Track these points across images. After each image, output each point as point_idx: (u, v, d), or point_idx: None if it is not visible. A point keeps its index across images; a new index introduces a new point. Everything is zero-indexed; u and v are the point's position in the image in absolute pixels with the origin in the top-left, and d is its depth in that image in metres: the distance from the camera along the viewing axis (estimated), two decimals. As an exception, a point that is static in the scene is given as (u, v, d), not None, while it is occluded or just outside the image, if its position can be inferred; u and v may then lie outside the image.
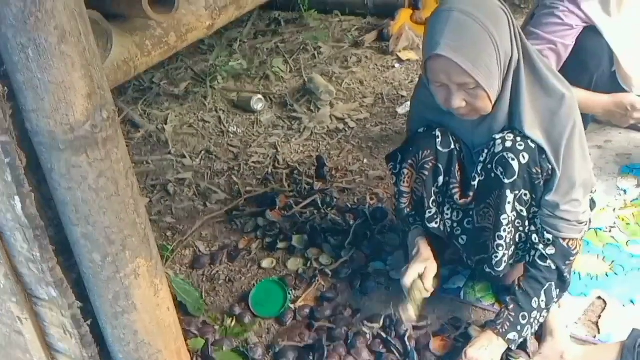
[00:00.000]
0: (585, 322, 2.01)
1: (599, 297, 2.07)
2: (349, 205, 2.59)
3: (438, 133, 1.86)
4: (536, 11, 2.43)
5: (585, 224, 1.85)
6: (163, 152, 3.17)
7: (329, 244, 2.40)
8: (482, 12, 1.62)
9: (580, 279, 2.12)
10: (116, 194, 1.28)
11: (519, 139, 1.73)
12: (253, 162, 3.01)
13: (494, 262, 1.88)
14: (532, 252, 1.85)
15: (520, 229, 1.85)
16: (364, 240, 2.39)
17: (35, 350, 1.53)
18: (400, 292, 1.98)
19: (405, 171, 1.93)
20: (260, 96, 3.42)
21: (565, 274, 1.82)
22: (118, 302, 1.39)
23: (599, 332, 1.96)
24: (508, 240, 1.84)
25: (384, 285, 2.22)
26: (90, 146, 1.21)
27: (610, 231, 2.30)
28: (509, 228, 1.82)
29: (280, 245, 2.43)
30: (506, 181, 1.74)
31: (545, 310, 1.84)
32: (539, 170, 1.73)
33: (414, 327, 2.01)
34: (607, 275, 2.13)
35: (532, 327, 1.84)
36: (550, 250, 1.80)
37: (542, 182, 1.75)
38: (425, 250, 1.93)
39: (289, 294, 2.20)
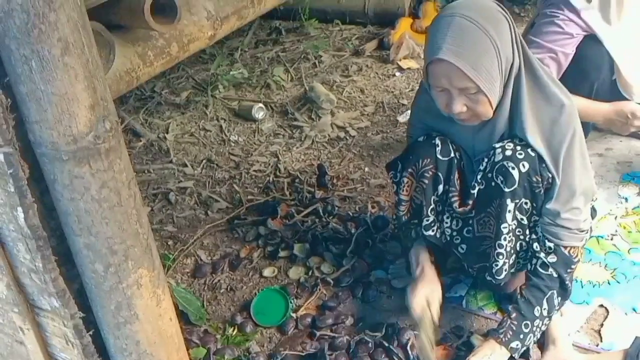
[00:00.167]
0: (588, 330, 2.00)
1: (601, 305, 2.06)
2: (351, 214, 2.59)
3: (438, 141, 1.87)
4: (536, 20, 2.44)
5: (587, 232, 1.85)
6: (164, 161, 3.17)
7: (330, 252, 2.40)
8: (484, 17, 1.63)
9: (582, 287, 2.12)
10: (119, 204, 1.28)
11: (518, 147, 1.74)
12: (254, 170, 3.01)
13: (494, 271, 1.88)
14: (534, 261, 1.85)
15: (521, 237, 1.85)
16: (366, 248, 2.39)
17: (38, 360, 1.53)
18: (402, 300, 1.99)
19: (405, 180, 1.93)
20: (261, 105, 3.43)
21: (567, 282, 1.82)
22: (120, 312, 1.39)
23: (601, 341, 1.96)
24: (509, 249, 1.84)
25: (386, 293, 2.22)
26: (93, 157, 1.21)
27: (611, 239, 2.30)
28: (510, 237, 1.82)
29: (282, 253, 2.43)
30: (506, 190, 1.75)
31: (547, 319, 1.84)
32: (539, 179, 1.74)
33: (416, 336, 2.00)
34: (609, 283, 2.13)
35: (534, 336, 1.84)
36: (552, 259, 1.80)
37: (542, 191, 1.76)
38: (429, 270, 1.93)
39: (291, 302, 2.20)
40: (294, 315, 2.17)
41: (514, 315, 1.82)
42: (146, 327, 1.44)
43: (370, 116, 3.34)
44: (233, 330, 2.16)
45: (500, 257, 1.85)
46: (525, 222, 1.81)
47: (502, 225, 1.79)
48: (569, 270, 1.82)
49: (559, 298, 1.83)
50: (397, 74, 3.71)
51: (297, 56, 4.01)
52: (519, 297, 1.83)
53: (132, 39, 1.68)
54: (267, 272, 2.38)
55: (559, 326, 1.94)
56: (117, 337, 1.44)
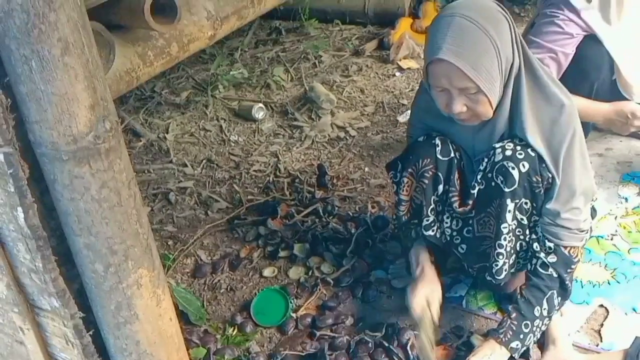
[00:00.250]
0: (588, 330, 2.00)
1: (601, 305, 2.06)
2: (350, 214, 2.59)
3: (438, 141, 1.87)
4: (536, 20, 2.44)
5: (587, 232, 1.85)
6: (164, 161, 3.17)
7: (330, 252, 2.40)
8: (484, 17, 1.63)
9: (582, 287, 2.12)
10: (119, 204, 1.28)
11: (518, 147, 1.74)
12: (254, 170, 3.01)
13: (494, 271, 1.88)
14: (534, 261, 1.85)
15: (521, 237, 1.85)
16: (366, 248, 2.39)
17: (37, 360, 1.53)
18: (402, 300, 1.99)
19: (405, 180, 1.93)
20: (261, 105, 3.43)
21: (567, 282, 1.82)
22: (120, 312, 1.39)
23: (601, 341, 1.96)
24: (509, 249, 1.84)
25: (386, 293, 2.22)
26: (93, 157, 1.21)
27: (611, 239, 2.30)
28: (510, 237, 1.82)
29: (282, 254, 2.43)
30: (506, 190, 1.75)
31: (547, 319, 1.84)
32: (539, 179, 1.74)
33: (416, 336, 2.00)
34: (609, 283, 2.13)
35: (534, 336, 1.84)
36: (552, 259, 1.80)
37: (542, 191, 1.76)
38: (429, 270, 1.93)
39: (291, 302, 2.20)
40: (294, 315, 2.17)
41: (514, 315, 1.82)
42: (146, 327, 1.44)
43: (370, 116, 3.34)
44: (233, 330, 2.16)
45: (500, 257, 1.85)
46: (525, 222, 1.81)
47: (502, 225, 1.79)
48: (569, 270, 1.82)
49: (559, 298, 1.83)
50: (397, 74, 3.71)
51: (297, 56, 4.01)
52: (519, 297, 1.83)
53: (132, 39, 1.68)
54: (267, 272, 2.38)
55: (559, 326, 1.94)
56: (117, 337, 1.44)
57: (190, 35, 1.82)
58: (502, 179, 1.74)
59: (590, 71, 2.41)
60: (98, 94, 1.19)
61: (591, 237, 2.22)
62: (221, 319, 2.23)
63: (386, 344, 1.99)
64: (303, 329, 2.13)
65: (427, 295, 1.87)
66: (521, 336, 1.80)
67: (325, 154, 3.07)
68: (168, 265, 2.44)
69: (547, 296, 1.81)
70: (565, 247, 1.80)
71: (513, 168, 1.72)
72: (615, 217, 2.39)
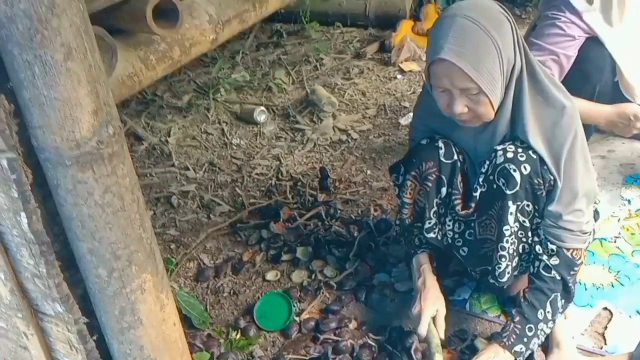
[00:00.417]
0: (592, 333, 2.00)
1: (605, 308, 2.06)
2: (353, 217, 2.59)
3: (441, 144, 1.87)
4: (538, 22, 2.44)
5: (589, 234, 1.84)
6: (166, 165, 3.17)
7: (333, 255, 2.39)
8: (486, 18, 1.63)
9: (586, 289, 2.11)
10: (122, 209, 1.28)
11: (520, 150, 1.73)
12: (256, 174, 3.01)
13: (497, 274, 1.88)
14: (536, 263, 1.84)
15: (524, 239, 1.84)
16: (369, 251, 2.39)
17: (41, 365, 1.53)
18: (405, 304, 1.98)
19: (409, 182, 1.93)
20: (263, 108, 3.43)
21: (570, 285, 1.82)
22: (124, 317, 1.38)
23: (605, 343, 1.95)
24: (511, 252, 1.84)
25: (389, 297, 2.22)
26: (96, 162, 1.21)
27: (615, 241, 2.29)
28: (512, 239, 1.81)
29: (285, 257, 2.43)
30: (508, 192, 1.74)
31: (551, 322, 1.83)
32: (541, 181, 1.73)
33: (420, 340, 2.00)
34: (612, 285, 2.12)
35: (538, 339, 1.83)
36: (555, 261, 1.80)
37: (544, 193, 1.75)
38: (431, 283, 1.92)
39: (294, 306, 2.19)
40: (297, 319, 2.17)
41: (517, 318, 1.81)
42: (150, 332, 1.43)
43: (372, 119, 3.34)
44: (236, 334, 2.16)
45: (503, 259, 1.84)
46: (527, 224, 1.81)
47: (504, 228, 1.79)
48: (572, 273, 1.81)
49: (563, 301, 1.82)
50: (399, 76, 3.71)
51: (298, 59, 4.01)
52: (522, 300, 1.83)
53: (134, 43, 1.68)
54: (270, 275, 2.37)
55: (563, 329, 1.94)
56: (121, 342, 1.43)
57: (192, 39, 1.82)
58: (503, 181, 1.74)
59: (592, 73, 2.40)
60: (101, 99, 1.19)
61: (594, 239, 2.22)
62: (224, 323, 2.23)
63: (390, 348, 1.99)
64: (306, 332, 2.13)
65: (432, 313, 1.86)
66: (525, 340, 1.80)
67: (327, 157, 3.07)
68: (171, 269, 2.43)
69: (550, 299, 1.81)
70: (568, 249, 1.79)
71: (515, 170, 1.72)
72: (619, 220, 2.38)
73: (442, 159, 1.86)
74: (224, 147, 3.26)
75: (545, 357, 1.91)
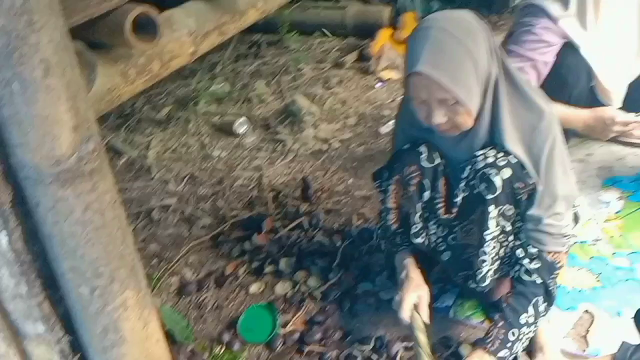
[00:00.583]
0: (575, 336, 2.01)
1: (587, 311, 2.08)
2: (336, 227, 2.59)
3: (422, 149, 1.88)
4: (515, 29, 2.47)
5: (569, 237, 1.86)
6: (146, 179, 3.14)
7: (316, 266, 2.39)
8: (460, 29, 1.65)
9: (567, 293, 2.13)
10: (103, 226, 1.27)
11: (500, 154, 1.75)
12: (238, 185, 3.00)
13: (478, 278, 1.89)
14: (517, 267, 1.86)
15: (505, 244, 1.86)
16: (352, 261, 2.38)
17: (23, 386, 1.50)
18: (390, 312, 1.98)
19: (392, 187, 1.94)
20: (243, 119, 3.42)
21: (551, 288, 1.83)
22: (107, 335, 1.37)
23: (588, 346, 1.97)
24: (492, 255, 1.85)
25: (374, 306, 2.21)
26: (76, 179, 1.20)
27: (595, 244, 2.32)
28: (493, 243, 1.83)
29: (268, 269, 2.42)
30: (489, 197, 1.76)
31: (534, 325, 1.84)
32: (521, 185, 1.75)
33: (405, 348, 2.00)
34: (594, 288, 2.14)
35: (522, 343, 1.84)
36: (536, 265, 1.81)
37: (524, 197, 1.77)
38: (414, 274, 1.93)
39: (278, 318, 2.18)
40: (281, 331, 2.16)
41: (500, 323, 1.82)
42: (133, 350, 1.42)
43: (353, 128, 3.35)
44: (221, 349, 2.14)
45: (484, 263, 1.85)
46: (508, 228, 1.82)
47: (485, 232, 1.80)
48: (552, 276, 1.83)
49: (545, 304, 1.84)
50: (378, 85, 3.72)
51: (277, 69, 4.01)
52: (504, 305, 1.84)
53: (113, 57, 1.67)
54: (254, 288, 2.36)
55: (546, 333, 1.95)
56: (104, 360, 1.42)
57: (171, 52, 1.82)
58: (484, 186, 1.76)
59: (569, 78, 2.43)
60: (81, 115, 1.18)
61: (575, 242, 2.24)
62: (208, 337, 2.21)
63: (375, 357, 1.98)
64: (291, 344, 2.12)
65: (414, 300, 1.86)
66: (509, 344, 1.80)
67: (309, 167, 3.06)
68: (153, 284, 2.41)
69: (532, 303, 1.82)
70: (549, 253, 1.82)
71: (495, 175, 1.74)
72: (598, 222, 2.41)
73: (423, 163, 1.87)
74: (204, 160, 3.25)
75: (530, 361, 1.92)
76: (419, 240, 1.96)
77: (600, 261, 2.25)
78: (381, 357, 1.98)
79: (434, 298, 2.15)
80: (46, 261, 1.30)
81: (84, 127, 1.19)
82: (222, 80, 3.94)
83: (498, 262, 1.89)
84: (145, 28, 1.64)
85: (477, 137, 1.79)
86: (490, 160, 1.75)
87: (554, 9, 2.35)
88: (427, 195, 1.90)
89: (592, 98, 2.51)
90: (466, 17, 1.70)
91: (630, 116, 2.42)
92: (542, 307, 1.83)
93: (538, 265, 1.81)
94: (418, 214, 1.93)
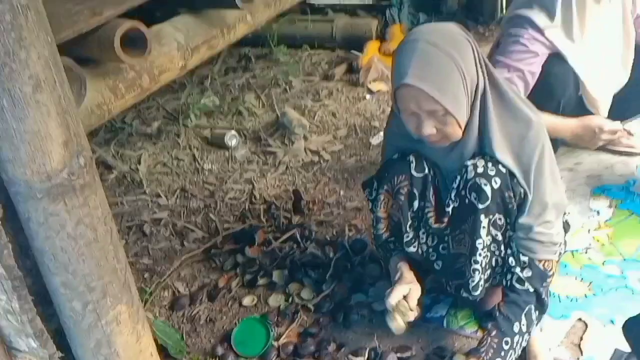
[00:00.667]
0: (568, 344, 2.02)
1: (580, 319, 2.08)
2: (328, 238, 2.59)
3: (412, 158, 1.89)
4: (502, 40, 2.49)
5: (560, 245, 1.87)
6: (137, 193, 3.14)
7: (309, 278, 2.39)
8: (447, 41, 1.66)
9: (560, 301, 2.14)
10: (95, 240, 1.27)
11: (490, 164, 1.76)
12: (229, 198, 3.00)
13: (470, 287, 1.89)
14: (509, 276, 1.87)
15: (496, 252, 1.87)
16: (345, 272, 2.38)
17: (15, 403, 1.49)
18: (383, 323, 1.98)
19: (382, 197, 1.94)
20: (233, 132, 3.42)
21: (543, 296, 1.84)
22: (100, 350, 1.36)
23: (581, 354, 1.97)
24: (484, 265, 1.86)
25: (367, 317, 2.21)
26: (67, 194, 1.20)
27: (586, 252, 2.33)
28: (485, 252, 1.84)
29: (261, 281, 2.42)
30: (480, 206, 1.77)
31: (527, 334, 1.85)
32: (512, 194, 1.76)
33: (399, 359, 2.00)
34: (586, 296, 2.15)
35: (515, 352, 1.84)
36: (527, 273, 1.82)
37: (515, 206, 1.78)
38: (408, 274, 1.94)
39: (272, 331, 2.18)
40: (275, 343, 2.15)
41: (493, 332, 1.82)
42: (127, 364, 1.42)
43: (343, 139, 3.36)
44: (214, 362, 2.13)
45: (476, 272, 1.86)
46: (499, 237, 1.83)
47: (477, 241, 1.81)
48: (544, 284, 1.84)
49: (537, 312, 1.85)
50: (368, 96, 3.74)
51: (267, 82, 4.03)
52: (497, 314, 1.84)
53: (103, 72, 1.68)
54: (247, 301, 2.36)
55: (539, 341, 1.96)
56: (97, 375, 1.41)
57: (161, 67, 1.82)
58: (475, 195, 1.77)
59: (556, 88, 2.45)
60: (71, 130, 1.18)
61: (566, 251, 2.25)
62: (202, 351, 2.20)
63: (370, 368, 1.98)
64: (285, 357, 2.11)
65: (404, 292, 1.87)
66: (502, 353, 1.81)
67: (300, 179, 3.07)
68: (145, 298, 2.40)
69: (525, 311, 1.83)
70: (540, 261, 1.82)
71: (485, 184, 1.75)
72: (589, 231, 2.42)
73: (413, 172, 1.88)
74: (195, 173, 3.25)
75: (524, 370, 1.92)
76: (412, 249, 1.96)
77: (591, 269, 2.26)
78: (375, 368, 1.98)
79: (427, 308, 2.16)
80: (38, 276, 1.30)
81: (75, 142, 1.19)
82: (212, 93, 3.95)
83: (490, 271, 1.89)
84: (135, 43, 1.64)
85: (467, 147, 1.80)
86: (480, 170, 1.76)
87: (541, 20, 2.37)
88: (416, 204, 1.91)
89: (580, 107, 2.53)
90: (452, 29, 1.72)
91: (618, 124, 2.45)
92: (534, 315, 1.84)
93: (530, 274, 1.82)
94: (409, 223, 1.93)
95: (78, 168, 1.19)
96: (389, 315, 1.87)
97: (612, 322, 2.05)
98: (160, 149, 3.47)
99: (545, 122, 1.86)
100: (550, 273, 1.85)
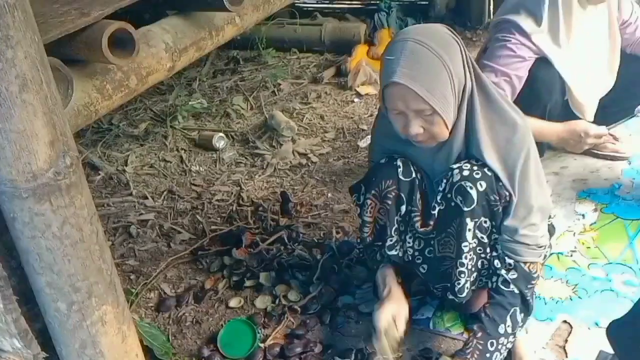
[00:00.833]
0: (553, 346, 2.03)
1: (565, 321, 2.10)
2: (315, 240, 2.59)
3: (399, 162, 1.89)
4: (489, 45, 2.51)
5: (545, 248, 1.88)
6: (124, 194, 3.13)
7: (296, 279, 2.39)
8: (435, 41, 1.67)
9: (545, 303, 2.15)
10: (81, 240, 1.26)
11: (475, 167, 1.77)
12: (217, 200, 2.99)
13: (456, 289, 1.90)
14: (495, 278, 1.87)
15: (482, 255, 1.88)
16: (332, 274, 2.38)
17: (-1, 405, 1.48)
18: (370, 325, 1.98)
19: (369, 201, 1.95)
20: (221, 134, 3.42)
21: (528, 298, 1.85)
22: (85, 350, 1.36)
23: (566, 356, 1.98)
24: (470, 267, 1.87)
25: (354, 319, 2.21)
26: (53, 193, 1.19)
27: (571, 255, 2.34)
28: (471, 255, 1.84)
29: (248, 283, 2.41)
30: (465, 209, 1.78)
31: (512, 336, 1.86)
32: (497, 197, 1.77)
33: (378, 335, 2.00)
34: (571, 299, 2.17)
35: (500, 354, 1.85)
36: (512, 275, 1.83)
37: (500, 209, 1.79)
38: (396, 290, 1.95)
39: (258, 332, 2.17)
40: (262, 345, 2.15)
41: (479, 334, 1.83)
42: (112, 365, 1.41)
43: (331, 142, 3.36)
44: (200, 364, 2.13)
45: (462, 275, 1.87)
46: (485, 240, 1.84)
47: (463, 244, 1.82)
48: (529, 286, 1.85)
49: (522, 314, 1.86)
50: (356, 100, 3.75)
51: (255, 85, 4.03)
52: (483, 315, 1.85)
53: (90, 73, 1.67)
54: (233, 302, 2.35)
55: (524, 344, 1.97)
56: (82, 376, 1.40)
57: (148, 68, 1.82)
58: (461, 198, 1.78)
59: (542, 92, 2.47)
60: (57, 130, 1.18)
61: (552, 253, 2.27)
62: (188, 353, 2.20)
63: (356, 370, 1.98)
64: (272, 359, 2.11)
65: (393, 312, 1.88)
66: (487, 355, 1.82)
67: (288, 181, 3.07)
68: (131, 300, 2.39)
69: (510, 313, 1.84)
70: (525, 263, 1.83)
71: (471, 187, 1.76)
72: (574, 234, 2.44)
73: (400, 177, 1.89)
74: (183, 175, 3.24)
75: (509, 372, 1.93)
76: (393, 252, 1.97)
77: (576, 272, 2.27)
78: (361, 370, 1.98)
79: (413, 310, 2.16)
80: (23, 276, 1.29)
81: (61, 142, 1.19)
82: (200, 95, 3.94)
83: (476, 273, 1.90)
84: (123, 44, 1.64)
85: (453, 149, 1.81)
86: (465, 173, 1.77)
87: (528, 25, 2.39)
88: (404, 208, 1.91)
89: (566, 112, 2.55)
90: (441, 29, 1.73)
91: (603, 129, 2.47)
92: (519, 317, 1.85)
93: (515, 276, 1.83)
94: (394, 227, 1.94)
95: (64, 168, 1.19)
96: (375, 335, 1.87)
97: (596, 324, 2.06)
98: (147, 151, 3.47)
99: (532, 126, 1.87)
100: (536, 275, 1.86)
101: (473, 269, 1.88)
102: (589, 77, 2.53)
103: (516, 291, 1.84)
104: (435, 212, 1.86)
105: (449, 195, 1.81)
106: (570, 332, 2.06)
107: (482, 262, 1.89)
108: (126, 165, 3.34)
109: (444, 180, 1.83)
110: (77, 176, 1.23)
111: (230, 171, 3.21)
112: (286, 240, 2.58)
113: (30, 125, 1.12)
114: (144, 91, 1.93)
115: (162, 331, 2.25)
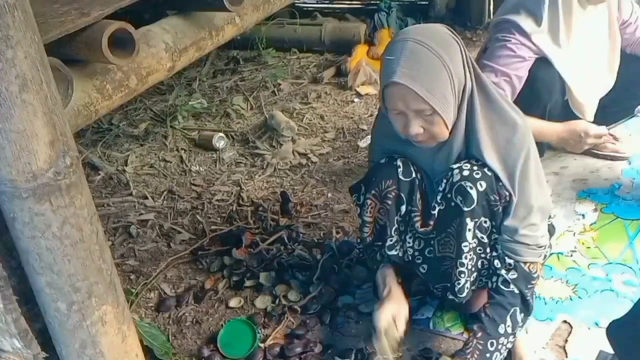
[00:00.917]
0: (553, 346, 2.03)
1: (565, 321, 2.10)
2: (315, 240, 2.59)
3: (399, 162, 1.90)
4: (489, 45, 2.51)
5: (545, 248, 1.88)
6: (124, 194, 3.13)
7: (296, 279, 2.39)
8: (436, 41, 1.67)
9: (545, 303, 2.15)
10: (81, 240, 1.26)
11: (475, 167, 1.77)
12: (217, 200, 2.99)
13: (456, 289, 1.90)
14: (495, 278, 1.88)
15: (482, 255, 1.88)
16: (332, 274, 2.38)
17: (-1, 405, 1.48)
18: (370, 325, 1.98)
19: (369, 202, 1.95)
20: (221, 134, 3.42)
21: (528, 298, 1.85)
22: (85, 350, 1.36)
23: (566, 356, 1.98)
24: (470, 267, 1.87)
25: (354, 319, 2.21)
26: (53, 193, 1.19)
27: (571, 255, 2.34)
28: (471, 255, 1.85)
29: (248, 283, 2.41)
30: (465, 209, 1.78)
31: (512, 336, 1.86)
32: (497, 197, 1.77)
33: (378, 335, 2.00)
34: (571, 299, 2.17)
35: (500, 354, 1.85)
36: (513, 275, 1.83)
37: (500, 209, 1.79)
38: (396, 290, 1.95)
39: (258, 332, 2.17)
40: (262, 345, 2.15)
41: (479, 334, 1.83)
42: (112, 365, 1.41)
43: (331, 142, 3.37)
44: (200, 364, 2.13)
45: (462, 275, 1.87)
46: (485, 240, 1.84)
47: (463, 244, 1.82)
48: (529, 286, 1.85)
49: (522, 314, 1.86)
50: (356, 100, 3.75)
51: (256, 85, 4.03)
52: (483, 315, 1.85)
53: (90, 73, 1.67)
54: (233, 302, 2.35)
55: (524, 344, 1.97)
56: (82, 376, 1.40)
57: (148, 68, 1.82)
58: (461, 198, 1.78)
59: (542, 92, 2.47)
60: (57, 130, 1.18)
61: (552, 253, 2.27)
62: (188, 353, 2.20)
63: (356, 370, 1.98)
64: (272, 359, 2.11)
65: (393, 312, 1.88)
66: (487, 355, 1.82)
67: (288, 181, 3.07)
68: (131, 300, 2.39)
69: (510, 313, 1.84)
70: (525, 263, 1.83)
71: (471, 187, 1.76)
72: (574, 234, 2.44)
73: (400, 177, 1.89)
74: (182, 175, 3.24)
75: (509, 372, 1.93)
76: (393, 252, 1.97)
77: (576, 272, 2.27)
78: (361, 370, 1.98)
79: (413, 310, 2.16)
80: (23, 277, 1.29)
81: (61, 142, 1.19)
82: (200, 95, 3.94)
83: (476, 273, 1.90)
84: (123, 44, 1.64)
85: (453, 149, 1.81)
86: (465, 173, 1.77)
87: (528, 25, 2.39)
88: (404, 208, 1.91)
89: (566, 112, 2.55)
90: (441, 29, 1.73)
91: (603, 129, 2.47)
92: (519, 317, 1.85)
93: (515, 276, 1.83)
94: (394, 227, 1.94)
95: (64, 168, 1.19)
96: (375, 335, 1.87)
97: (596, 324, 2.06)
98: (147, 151, 3.47)
99: (532, 126, 1.87)
100: (536, 275, 1.86)
101: (473, 269, 1.88)
102: (589, 77, 2.53)
103: (516, 291, 1.84)
104: (435, 212, 1.86)
105: (449, 195, 1.81)
106: (570, 332, 2.06)
107: (482, 262, 1.89)
108: (126, 165, 3.34)
109: (444, 180, 1.83)
110: (77, 176, 1.23)
111: (230, 171, 3.21)
112: (286, 240, 2.58)
113: (30, 125, 1.12)
114: (144, 91, 1.93)
115: (162, 331, 2.25)
